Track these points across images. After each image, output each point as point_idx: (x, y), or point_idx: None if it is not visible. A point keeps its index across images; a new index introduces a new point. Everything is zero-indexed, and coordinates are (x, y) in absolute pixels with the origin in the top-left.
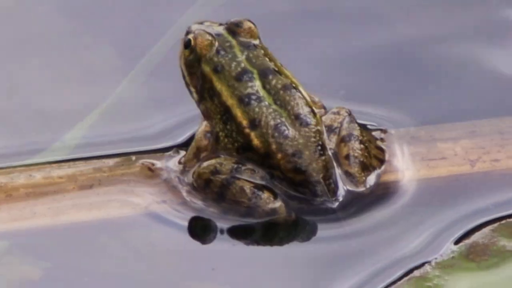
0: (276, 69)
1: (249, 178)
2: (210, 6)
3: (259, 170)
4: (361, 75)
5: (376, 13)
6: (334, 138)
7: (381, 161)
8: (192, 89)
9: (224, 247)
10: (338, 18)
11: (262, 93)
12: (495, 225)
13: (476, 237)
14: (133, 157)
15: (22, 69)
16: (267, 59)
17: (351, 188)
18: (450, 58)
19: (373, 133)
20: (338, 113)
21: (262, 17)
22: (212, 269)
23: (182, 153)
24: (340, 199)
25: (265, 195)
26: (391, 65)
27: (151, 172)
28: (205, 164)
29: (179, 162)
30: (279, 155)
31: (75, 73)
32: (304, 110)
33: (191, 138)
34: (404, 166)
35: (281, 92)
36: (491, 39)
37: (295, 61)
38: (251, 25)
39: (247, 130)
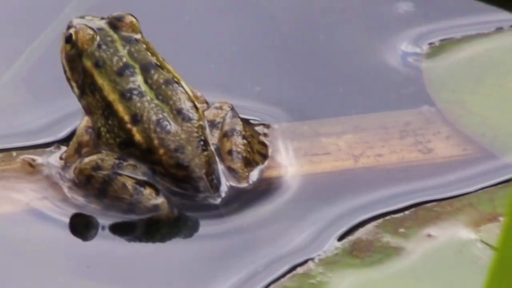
0: (158, 63)
1: (131, 174)
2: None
3: (141, 166)
4: (242, 68)
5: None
6: (216, 133)
7: (264, 157)
8: (73, 84)
9: (105, 244)
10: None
11: (143, 88)
12: (379, 221)
13: (359, 233)
14: (14, 153)
15: None
16: (148, 53)
17: (234, 183)
18: (334, 51)
19: (256, 128)
20: (220, 108)
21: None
22: (87, 267)
23: (63, 148)
24: (223, 195)
25: (147, 191)
26: (273, 59)
27: (32, 168)
28: (86, 160)
29: (60, 158)
30: (161, 151)
31: None
32: (186, 105)
33: (72, 134)
34: (287, 162)
35: (163, 87)
36: (376, 32)
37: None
38: (133, 19)
39: (129, 126)
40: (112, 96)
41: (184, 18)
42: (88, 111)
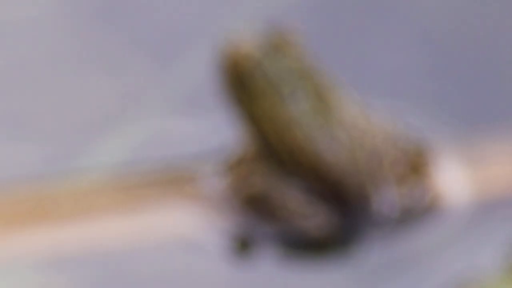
0: (324, 85)
1: (299, 201)
2: None
3: (308, 192)
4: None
5: None
6: (385, 150)
7: (430, 175)
8: (239, 111)
9: (270, 272)
10: None
11: (310, 113)
12: None
13: None
14: (179, 178)
15: None
16: (314, 75)
17: (399, 202)
18: (506, 60)
19: (424, 148)
20: (388, 125)
21: None
22: None
23: (229, 174)
24: (390, 214)
25: (314, 217)
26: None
27: (198, 195)
28: (254, 187)
29: (226, 184)
30: (331, 174)
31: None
32: (351, 131)
33: (237, 159)
34: (455, 184)
35: (329, 110)
36: None
37: None
38: (297, 36)
39: (298, 150)
40: (279, 123)
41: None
42: (253, 135)
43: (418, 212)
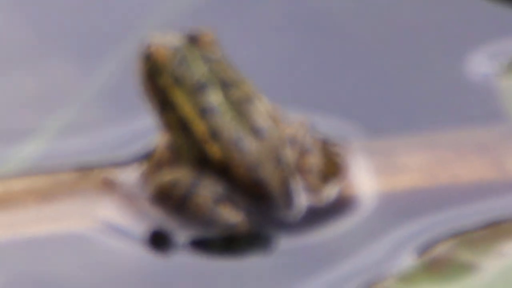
0: (238, 81)
1: (210, 191)
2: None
3: (219, 184)
4: (317, 83)
5: None
6: (295, 151)
7: (341, 174)
8: (152, 101)
9: (183, 260)
10: None
11: (222, 105)
12: (456, 238)
13: (436, 250)
14: (93, 170)
15: None
16: (228, 70)
17: (311, 201)
18: (407, 64)
19: (333, 145)
20: (299, 125)
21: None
22: (162, 284)
23: (143, 165)
24: (301, 212)
25: (226, 208)
26: (344, 71)
27: (112, 185)
28: (164, 177)
29: (140, 175)
30: (240, 169)
31: (31, 82)
32: (265, 123)
33: (151, 151)
34: (363, 180)
35: (243, 104)
36: (451, 45)
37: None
38: (212, 36)
39: (207, 143)
40: (191, 114)
41: (259, 32)
42: (167, 128)
43: (332, 209)
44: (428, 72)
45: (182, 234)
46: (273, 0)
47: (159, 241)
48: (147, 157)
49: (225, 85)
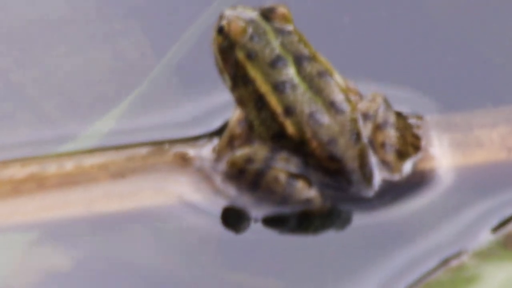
0: (311, 55)
1: (284, 166)
2: None
3: (293, 159)
4: (393, 58)
5: None
6: (369, 126)
7: (417, 149)
8: (226, 76)
9: (258, 237)
10: None
11: (296, 80)
12: None
13: None
14: (166, 145)
15: (50, 56)
16: (301, 45)
17: (386, 176)
18: (486, 40)
19: (409, 119)
20: (373, 100)
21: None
22: (238, 259)
23: (216, 141)
24: (376, 187)
25: (300, 184)
26: (419, 44)
27: (184, 161)
28: (239, 152)
29: (213, 151)
30: (314, 143)
31: (105, 59)
32: (339, 97)
33: (225, 126)
34: (440, 154)
35: (316, 79)
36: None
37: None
38: (285, 10)
39: (281, 118)
40: (265, 88)
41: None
42: (240, 103)
43: (408, 185)
44: (506, 46)
45: (256, 210)
46: None
47: (234, 217)
48: (220, 132)
49: (299, 59)
